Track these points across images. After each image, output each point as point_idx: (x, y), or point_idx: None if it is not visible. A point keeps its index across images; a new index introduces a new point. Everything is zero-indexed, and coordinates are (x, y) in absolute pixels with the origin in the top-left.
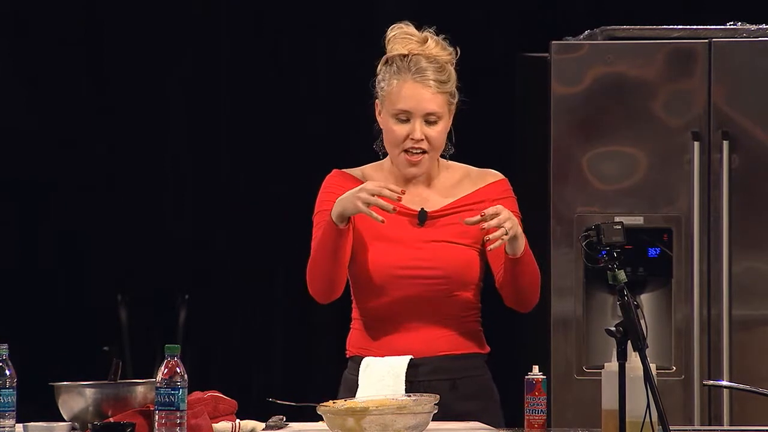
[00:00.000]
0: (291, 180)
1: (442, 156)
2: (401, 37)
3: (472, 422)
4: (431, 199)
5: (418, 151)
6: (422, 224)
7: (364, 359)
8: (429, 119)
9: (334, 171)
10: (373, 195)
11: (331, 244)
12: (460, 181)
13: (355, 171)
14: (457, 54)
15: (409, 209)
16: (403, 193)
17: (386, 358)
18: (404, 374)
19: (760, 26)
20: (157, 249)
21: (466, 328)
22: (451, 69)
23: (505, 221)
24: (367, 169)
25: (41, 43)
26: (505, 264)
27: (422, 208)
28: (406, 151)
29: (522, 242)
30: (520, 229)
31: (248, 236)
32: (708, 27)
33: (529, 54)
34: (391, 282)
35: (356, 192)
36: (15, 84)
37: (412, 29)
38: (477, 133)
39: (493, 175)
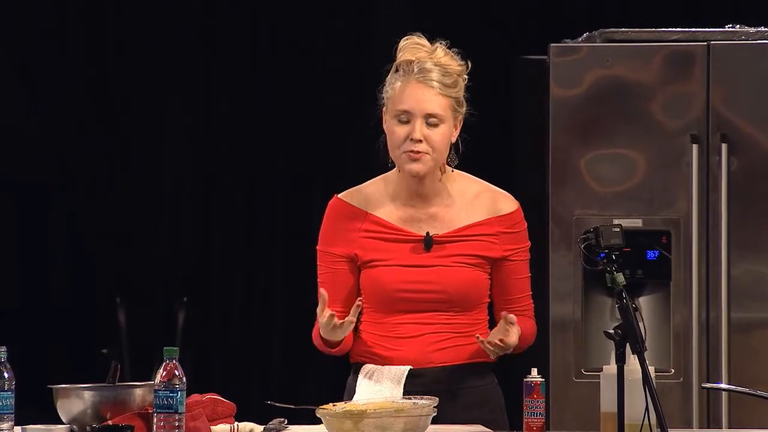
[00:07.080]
0: (290, 182)
1: (447, 165)
2: (411, 47)
3: (473, 426)
4: (439, 217)
5: (418, 152)
6: (428, 250)
7: (363, 366)
8: (430, 121)
9: (335, 199)
10: (331, 323)
11: (332, 340)
12: (471, 201)
13: (356, 196)
14: (468, 67)
15: (415, 234)
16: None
17: (386, 366)
18: (403, 383)
19: (759, 29)
20: (156, 251)
21: (472, 338)
22: (460, 80)
23: (506, 345)
24: (370, 186)
25: (41, 42)
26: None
27: (428, 233)
28: (406, 152)
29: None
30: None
31: (247, 239)
32: (706, 30)
33: (528, 57)
34: (396, 303)
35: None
36: (15, 84)
37: (423, 40)
38: (476, 135)
39: (506, 203)
